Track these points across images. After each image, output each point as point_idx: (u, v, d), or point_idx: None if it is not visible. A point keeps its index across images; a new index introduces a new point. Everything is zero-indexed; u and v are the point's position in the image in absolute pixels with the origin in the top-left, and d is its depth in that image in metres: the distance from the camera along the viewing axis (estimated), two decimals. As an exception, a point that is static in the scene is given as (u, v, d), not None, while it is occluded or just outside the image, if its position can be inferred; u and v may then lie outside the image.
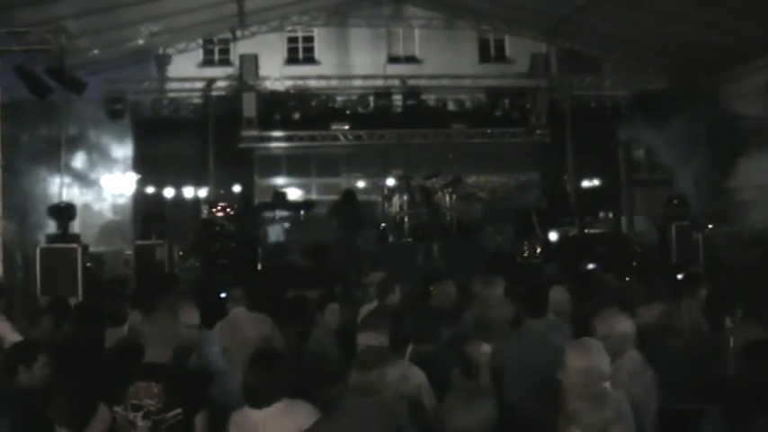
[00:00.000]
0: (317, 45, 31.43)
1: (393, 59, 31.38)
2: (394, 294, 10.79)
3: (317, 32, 31.38)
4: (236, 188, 29.12)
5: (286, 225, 26.40)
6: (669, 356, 8.27)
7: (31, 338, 8.84)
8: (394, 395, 6.11)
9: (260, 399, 6.24)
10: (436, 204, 23.84)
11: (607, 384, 6.31)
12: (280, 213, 26.63)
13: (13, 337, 9.26)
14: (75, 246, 20.00)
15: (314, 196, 30.31)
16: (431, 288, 11.17)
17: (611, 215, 28.81)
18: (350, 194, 23.37)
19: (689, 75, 28.61)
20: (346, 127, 29.42)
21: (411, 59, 31.60)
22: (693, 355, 8.36)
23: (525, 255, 24.77)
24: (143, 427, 6.21)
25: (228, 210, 25.52)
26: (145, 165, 28.55)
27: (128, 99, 28.06)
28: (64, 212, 21.23)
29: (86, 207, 26.51)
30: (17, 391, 7.38)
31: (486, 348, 8.35)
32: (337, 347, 9.18)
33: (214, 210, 25.53)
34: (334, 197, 27.16)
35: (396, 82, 30.03)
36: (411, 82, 29.92)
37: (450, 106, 30.58)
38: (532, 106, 29.67)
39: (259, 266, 23.93)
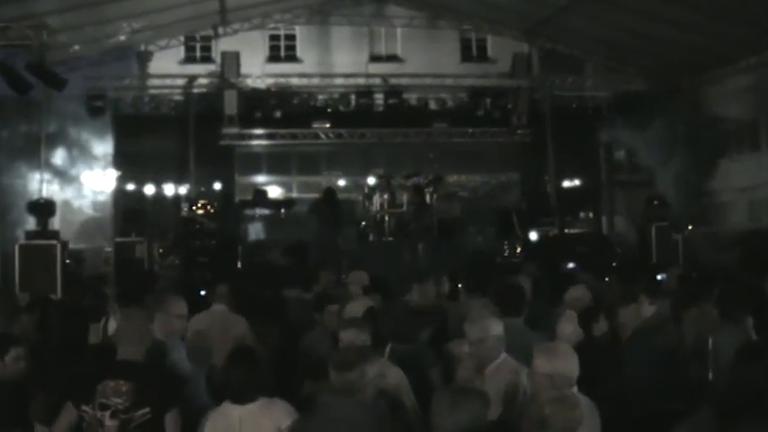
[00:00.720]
0: (298, 43, 31.40)
1: (375, 58, 31.38)
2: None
3: (298, 30, 31.34)
4: (217, 186, 29.12)
5: (267, 223, 26.38)
6: (652, 356, 8.29)
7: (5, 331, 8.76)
8: (373, 392, 6.11)
9: (242, 395, 6.21)
10: (427, 205, 23.85)
11: (574, 389, 6.31)
12: (260, 211, 26.59)
13: None
14: (54, 242, 19.90)
15: (294, 194, 30.29)
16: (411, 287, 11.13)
17: (591, 215, 28.88)
18: (331, 193, 23.33)
19: (670, 76, 28.73)
20: (327, 125, 29.41)
21: (393, 58, 31.60)
22: (677, 356, 8.38)
23: (505, 254, 24.77)
24: (111, 427, 6.12)
25: (209, 207, 25.46)
26: (125, 162, 28.48)
27: (108, 96, 27.93)
28: (43, 209, 21.15)
29: (66, 204, 26.43)
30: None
31: (467, 348, 8.34)
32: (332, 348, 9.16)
33: (194, 207, 25.46)
34: (314, 195, 27.18)
35: (377, 81, 29.97)
36: (393, 81, 29.88)
37: (432, 105, 30.61)
38: (514, 106, 29.76)
39: (239, 264, 23.87)
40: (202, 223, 24.78)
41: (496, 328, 7.19)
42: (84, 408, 6.19)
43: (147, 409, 6.15)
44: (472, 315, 7.46)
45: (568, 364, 6.30)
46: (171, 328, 7.80)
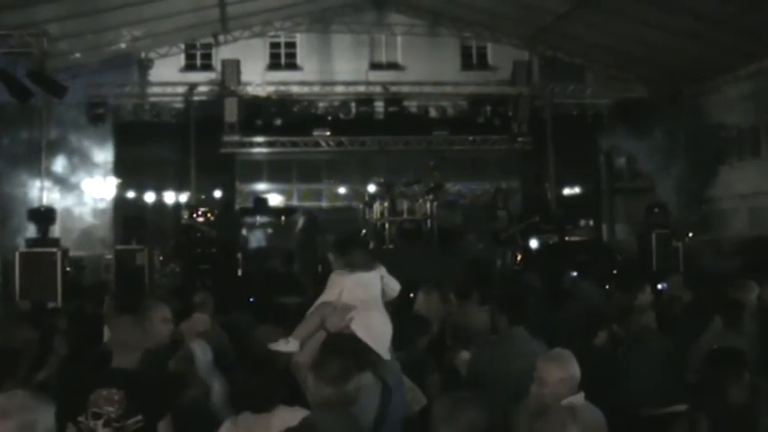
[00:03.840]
0: (299, 51, 31.40)
1: (375, 66, 31.38)
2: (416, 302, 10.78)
3: (299, 38, 31.36)
4: (218, 193, 29.07)
5: (267, 231, 26.39)
6: (648, 361, 8.32)
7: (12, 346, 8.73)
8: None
9: (265, 403, 6.19)
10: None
11: (581, 395, 6.35)
12: (261, 219, 26.59)
13: None
14: (54, 250, 19.92)
15: (295, 202, 30.24)
16: (411, 295, 11.09)
17: (591, 223, 28.85)
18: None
19: (670, 84, 28.77)
20: (328, 133, 29.39)
21: (393, 66, 31.60)
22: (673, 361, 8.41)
23: (506, 262, 24.73)
24: None
25: (209, 215, 25.45)
26: (126, 169, 28.52)
27: (109, 103, 27.98)
28: (44, 216, 21.17)
29: (67, 211, 26.46)
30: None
31: (464, 356, 8.32)
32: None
33: (195, 215, 25.44)
34: (315, 203, 27.28)
35: (378, 88, 30.01)
36: (393, 88, 29.91)
37: (432, 113, 30.65)
38: (514, 114, 29.75)
39: (239, 272, 23.86)
40: (203, 231, 24.76)
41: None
42: (80, 418, 6.17)
43: (139, 417, 6.12)
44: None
45: (577, 368, 6.37)
46: (157, 334, 7.75)
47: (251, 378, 6.37)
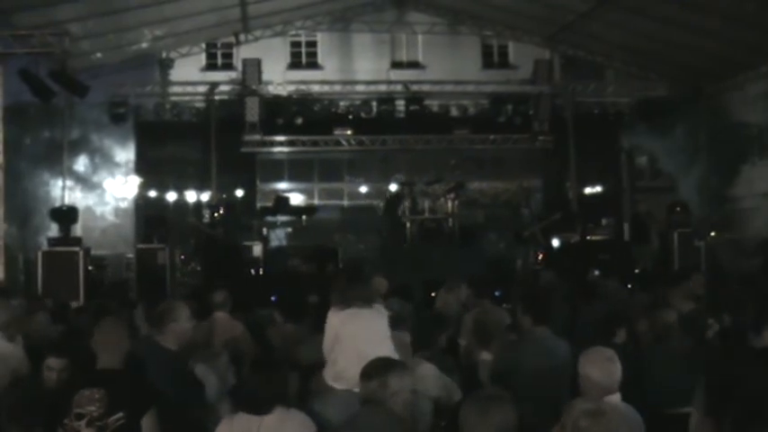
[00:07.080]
0: (320, 50, 31.44)
1: (396, 65, 31.37)
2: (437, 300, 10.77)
3: (320, 37, 31.40)
4: (239, 192, 29.10)
5: (288, 230, 26.42)
6: (668, 361, 8.29)
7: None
8: (400, 404, 6.06)
9: (262, 405, 6.22)
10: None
11: (617, 395, 6.32)
12: (282, 218, 26.61)
13: None
14: (77, 249, 19.98)
15: (316, 201, 30.28)
16: (432, 294, 11.10)
17: (613, 222, 28.73)
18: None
19: (691, 82, 28.63)
20: (349, 132, 29.35)
21: (414, 65, 31.59)
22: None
23: (527, 261, 24.69)
24: None
25: (214, 215, 25.55)
26: (147, 168, 28.59)
27: (130, 103, 27.99)
28: (66, 215, 21.23)
29: (88, 210, 26.57)
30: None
31: (485, 356, 8.28)
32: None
33: (216, 214, 25.50)
34: (336, 202, 27.24)
35: (399, 87, 29.93)
36: (414, 87, 29.81)
37: (453, 112, 30.56)
38: (535, 112, 29.66)
39: (255, 271, 23.86)
40: (206, 233, 24.75)
41: None
42: (65, 420, 6.21)
43: (120, 414, 6.15)
44: None
45: (618, 366, 6.34)
46: (184, 335, 7.83)
47: (251, 379, 6.43)
